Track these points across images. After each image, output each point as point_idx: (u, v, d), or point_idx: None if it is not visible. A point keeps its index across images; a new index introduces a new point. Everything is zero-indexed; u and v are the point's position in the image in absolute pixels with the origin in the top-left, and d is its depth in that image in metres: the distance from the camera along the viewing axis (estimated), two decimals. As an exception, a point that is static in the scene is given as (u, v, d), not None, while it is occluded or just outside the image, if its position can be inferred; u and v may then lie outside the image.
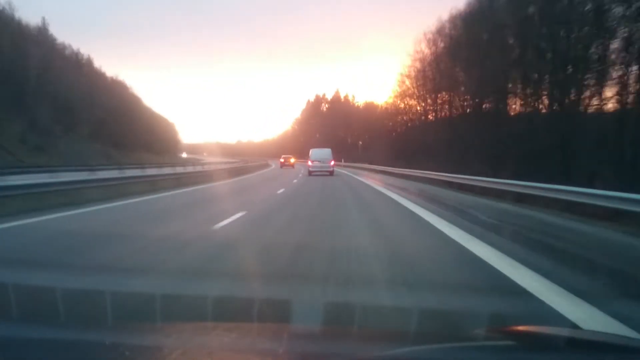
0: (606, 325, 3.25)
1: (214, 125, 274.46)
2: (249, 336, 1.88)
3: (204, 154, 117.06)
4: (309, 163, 33.28)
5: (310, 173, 32.19)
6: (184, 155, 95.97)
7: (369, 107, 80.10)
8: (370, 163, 47.71)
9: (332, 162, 33.50)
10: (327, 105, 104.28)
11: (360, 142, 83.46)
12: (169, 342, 1.66)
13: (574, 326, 3.18)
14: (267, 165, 55.20)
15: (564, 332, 1.73)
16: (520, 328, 1.65)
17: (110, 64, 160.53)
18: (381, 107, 76.94)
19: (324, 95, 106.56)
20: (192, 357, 1.55)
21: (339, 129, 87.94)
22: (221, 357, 1.58)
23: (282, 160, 54.19)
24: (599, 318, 3.44)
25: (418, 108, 47.74)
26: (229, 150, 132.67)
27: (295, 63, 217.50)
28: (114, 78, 67.75)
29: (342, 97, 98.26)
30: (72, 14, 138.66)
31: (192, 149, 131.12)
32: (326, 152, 34.15)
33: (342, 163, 57.74)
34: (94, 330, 1.91)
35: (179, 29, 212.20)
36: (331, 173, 32.25)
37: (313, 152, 33.95)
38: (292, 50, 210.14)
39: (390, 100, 53.82)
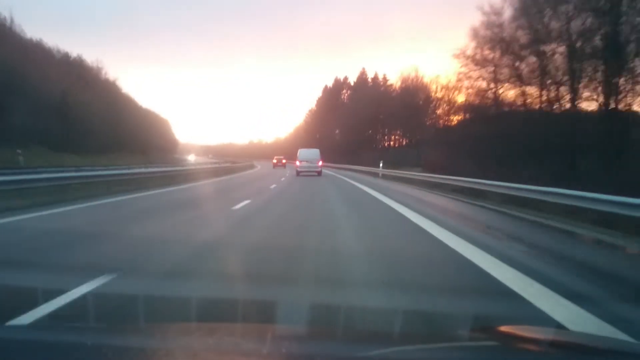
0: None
1: (226, 126, 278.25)
2: (234, 336, 1.86)
3: (209, 155, 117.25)
4: (297, 163, 32.53)
5: (298, 173, 31.13)
6: (192, 157, 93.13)
7: (412, 89, 56.66)
8: (446, 171, 23.61)
9: (320, 163, 32.41)
10: (348, 92, 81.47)
11: (398, 138, 61.16)
12: (153, 343, 1.64)
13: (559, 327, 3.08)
14: (249, 167, 50.91)
15: (548, 332, 1.75)
16: (505, 328, 1.68)
17: (118, 67, 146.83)
18: (432, 84, 54.12)
19: (345, 79, 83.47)
20: (176, 358, 1.53)
21: (366, 122, 65.05)
22: (205, 358, 1.53)
23: (274, 161, 58.66)
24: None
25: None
26: (239, 152, 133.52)
27: (310, 57, 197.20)
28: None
29: (369, 78, 75.10)
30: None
31: (203, 151, 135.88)
32: (314, 152, 33.50)
33: (387, 173, 31.31)
34: (75, 331, 1.88)
35: (187, 27, 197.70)
36: (319, 173, 31.41)
37: (301, 152, 33.43)
38: (306, 44, 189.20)
39: (461, 70, 29.99)
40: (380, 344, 1.68)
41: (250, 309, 3.41)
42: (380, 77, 71.90)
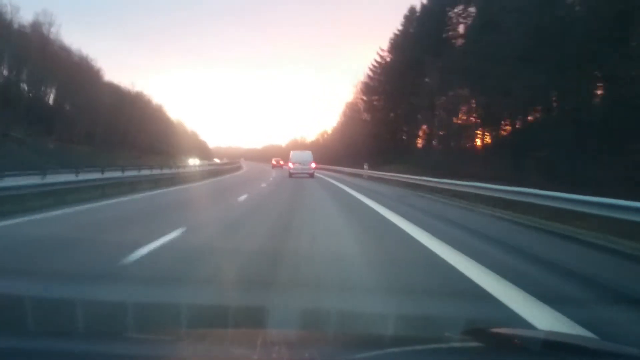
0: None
1: (266, 128, 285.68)
2: (223, 343, 1.87)
3: (242, 159, 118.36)
4: (290, 165, 32.85)
5: (290, 175, 31.21)
6: (194, 161, 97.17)
7: None
8: None
9: (313, 165, 32.24)
10: (465, 12, 38.25)
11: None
12: (142, 351, 1.63)
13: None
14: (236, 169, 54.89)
15: (535, 334, 1.90)
16: (492, 330, 1.70)
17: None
18: None
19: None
20: None
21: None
22: None
23: (273, 162, 64.02)
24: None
25: None
26: (276, 153, 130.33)
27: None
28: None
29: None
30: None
31: (244, 155, 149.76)
32: (306, 154, 33.51)
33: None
34: (63, 338, 1.84)
35: (221, 29, 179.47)
36: (311, 175, 31.05)
37: (293, 154, 33.65)
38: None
39: None
40: (369, 347, 1.71)
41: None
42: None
